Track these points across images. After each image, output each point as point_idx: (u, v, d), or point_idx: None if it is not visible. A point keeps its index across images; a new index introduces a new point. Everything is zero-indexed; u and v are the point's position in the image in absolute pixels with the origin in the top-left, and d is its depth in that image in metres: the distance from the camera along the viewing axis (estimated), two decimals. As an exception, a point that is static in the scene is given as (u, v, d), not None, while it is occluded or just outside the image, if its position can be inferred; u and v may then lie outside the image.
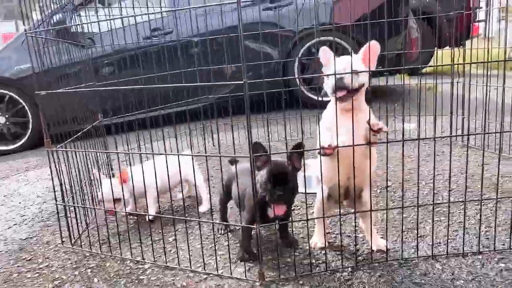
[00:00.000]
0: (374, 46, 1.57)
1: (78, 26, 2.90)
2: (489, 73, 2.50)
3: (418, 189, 1.65)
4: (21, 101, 4.36)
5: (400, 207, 1.67)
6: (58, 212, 1.98)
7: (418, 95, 1.60)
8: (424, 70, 7.25)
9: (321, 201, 1.70)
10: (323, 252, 1.72)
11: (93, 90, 2.02)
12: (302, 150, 1.56)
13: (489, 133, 1.62)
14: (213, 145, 3.52)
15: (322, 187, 1.67)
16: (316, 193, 1.77)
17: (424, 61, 6.63)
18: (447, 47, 5.40)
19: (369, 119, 1.50)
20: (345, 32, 4.27)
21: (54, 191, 1.93)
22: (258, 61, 3.44)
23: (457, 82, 2.94)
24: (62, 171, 1.91)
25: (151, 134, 1.73)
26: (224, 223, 1.95)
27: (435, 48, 3.22)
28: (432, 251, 1.68)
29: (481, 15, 6.97)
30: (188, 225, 2.08)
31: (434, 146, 1.58)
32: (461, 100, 2.88)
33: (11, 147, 4.36)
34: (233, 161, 1.88)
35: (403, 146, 1.57)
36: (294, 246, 1.78)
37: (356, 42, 4.41)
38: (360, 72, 1.56)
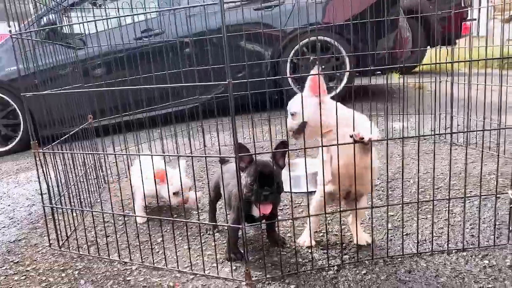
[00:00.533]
0: (314, 79, 1.60)
1: (67, 27, 2.90)
2: (475, 71, 2.52)
3: (402, 187, 1.66)
4: (12, 103, 4.34)
5: (385, 206, 1.68)
6: (45, 215, 1.98)
7: (403, 95, 1.61)
8: (417, 69, 7.29)
9: (318, 201, 1.72)
10: (310, 251, 1.73)
11: (77, 92, 2.02)
12: (286, 149, 1.57)
13: (472, 131, 1.63)
14: (205, 146, 3.52)
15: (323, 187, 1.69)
16: (305, 192, 1.78)
17: (416, 60, 6.66)
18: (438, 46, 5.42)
19: (353, 131, 1.51)
20: (339, 32, 4.28)
21: (41, 194, 1.93)
22: (252, 61, 3.44)
23: (446, 81, 2.97)
24: (49, 173, 1.91)
25: (146, 134, 1.73)
26: (211, 223, 1.96)
27: (422, 47, 3.23)
28: (418, 248, 1.70)
29: (473, 14, 7.02)
30: (176, 226, 2.08)
31: (418, 144, 1.60)
32: (449, 99, 2.90)
33: (2, 149, 4.34)
34: (224, 161, 1.88)
35: (387, 145, 1.58)
36: (281, 245, 1.79)
37: (347, 41, 4.43)
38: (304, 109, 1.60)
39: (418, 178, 1.68)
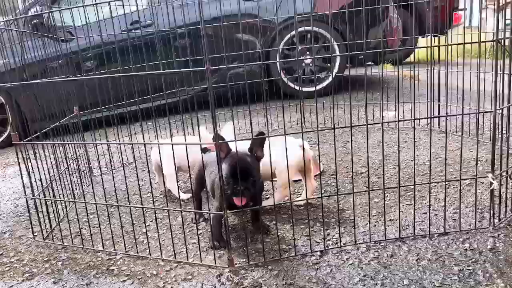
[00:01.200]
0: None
1: (52, 19, 2.87)
2: (460, 61, 2.53)
3: (383, 172, 1.67)
4: (-1, 97, 4.31)
5: (366, 191, 1.69)
6: (28, 207, 1.97)
7: (381, 84, 1.61)
8: (408, 59, 7.30)
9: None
10: (293, 237, 1.74)
11: (58, 81, 2.01)
12: (264, 136, 1.57)
13: (451, 115, 1.64)
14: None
15: None
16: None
17: (407, 50, 6.66)
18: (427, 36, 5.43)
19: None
20: (327, 22, 4.27)
21: (24, 186, 1.92)
22: (244, 52, 3.42)
23: (434, 69, 2.97)
24: (32, 165, 1.90)
25: (128, 127, 1.72)
26: (195, 211, 1.96)
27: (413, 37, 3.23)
28: (400, 233, 1.71)
29: (463, 4, 7.03)
30: (162, 215, 2.08)
31: (398, 130, 1.60)
32: (431, 86, 2.91)
33: (-10, 144, 4.31)
34: (206, 150, 1.88)
35: (367, 131, 1.58)
36: (264, 232, 1.80)
37: (338, 32, 4.42)
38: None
39: (399, 163, 1.68)
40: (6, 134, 4.32)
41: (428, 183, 1.68)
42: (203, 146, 1.80)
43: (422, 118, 1.51)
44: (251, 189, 1.57)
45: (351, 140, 1.61)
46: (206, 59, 1.44)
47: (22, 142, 1.84)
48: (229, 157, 1.58)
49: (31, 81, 1.79)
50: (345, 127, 1.57)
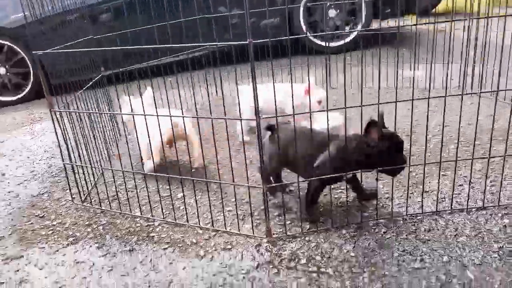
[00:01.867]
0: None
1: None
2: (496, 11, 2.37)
3: (426, 145, 1.63)
4: (19, 51, 4.26)
5: (407, 166, 1.66)
6: (66, 171, 2.00)
7: (433, 41, 1.53)
8: (435, 10, 6.93)
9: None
10: (329, 208, 1.75)
11: (87, 50, 1.96)
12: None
13: (503, 90, 1.57)
14: (217, 95, 3.46)
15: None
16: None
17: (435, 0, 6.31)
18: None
19: None
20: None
21: (61, 151, 1.94)
22: (263, 8, 3.27)
23: (464, 20, 2.80)
24: (66, 128, 1.90)
25: (152, 83, 1.69)
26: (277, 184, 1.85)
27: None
28: (437, 206, 1.70)
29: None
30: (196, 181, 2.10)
31: (445, 101, 1.54)
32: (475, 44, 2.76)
33: (13, 98, 4.33)
34: (270, 127, 1.75)
35: (412, 103, 1.53)
36: (373, 198, 1.77)
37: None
38: None
39: (442, 135, 1.64)
40: (29, 87, 4.32)
41: (470, 159, 1.65)
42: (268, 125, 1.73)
43: (488, 92, 1.43)
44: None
45: (396, 113, 1.56)
46: (249, 33, 1.38)
47: (58, 110, 1.83)
48: (389, 137, 1.57)
49: (62, 50, 1.75)
50: (390, 102, 1.52)
